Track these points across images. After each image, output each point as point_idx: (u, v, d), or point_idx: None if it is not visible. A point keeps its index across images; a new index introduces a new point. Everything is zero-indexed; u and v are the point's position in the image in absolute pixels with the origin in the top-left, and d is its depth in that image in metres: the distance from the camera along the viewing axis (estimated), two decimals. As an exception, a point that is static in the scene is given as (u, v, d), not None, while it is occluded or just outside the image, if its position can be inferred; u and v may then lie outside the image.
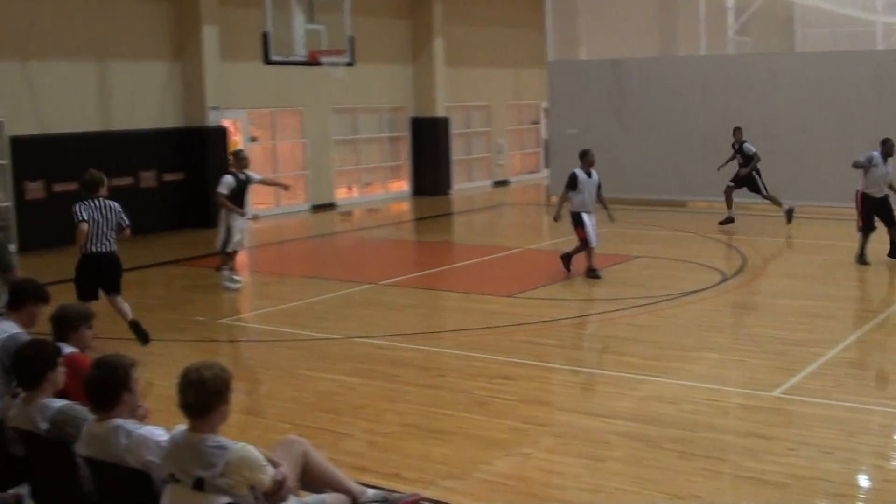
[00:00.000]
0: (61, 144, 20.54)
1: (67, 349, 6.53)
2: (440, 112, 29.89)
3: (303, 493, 6.11)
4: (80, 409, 5.95)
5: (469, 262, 17.81)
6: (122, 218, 11.63)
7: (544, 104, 31.36)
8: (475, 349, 11.47)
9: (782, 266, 16.17)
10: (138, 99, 22.26)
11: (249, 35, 20.64)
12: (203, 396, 5.19)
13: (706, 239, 19.44)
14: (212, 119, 23.01)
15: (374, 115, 28.88)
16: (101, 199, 11.61)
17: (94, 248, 11.51)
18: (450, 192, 30.28)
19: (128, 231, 11.73)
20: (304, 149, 26.58)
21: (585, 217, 15.61)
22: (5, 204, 19.53)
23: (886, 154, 16.03)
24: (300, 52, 17.38)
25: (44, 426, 5.94)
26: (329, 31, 17.71)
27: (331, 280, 16.26)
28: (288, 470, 5.68)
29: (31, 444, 6.05)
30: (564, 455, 8.04)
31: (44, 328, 7.13)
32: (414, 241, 21.87)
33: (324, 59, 17.67)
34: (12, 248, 10.26)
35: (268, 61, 17.23)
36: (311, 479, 6.23)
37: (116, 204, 11.72)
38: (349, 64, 18.21)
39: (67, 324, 6.79)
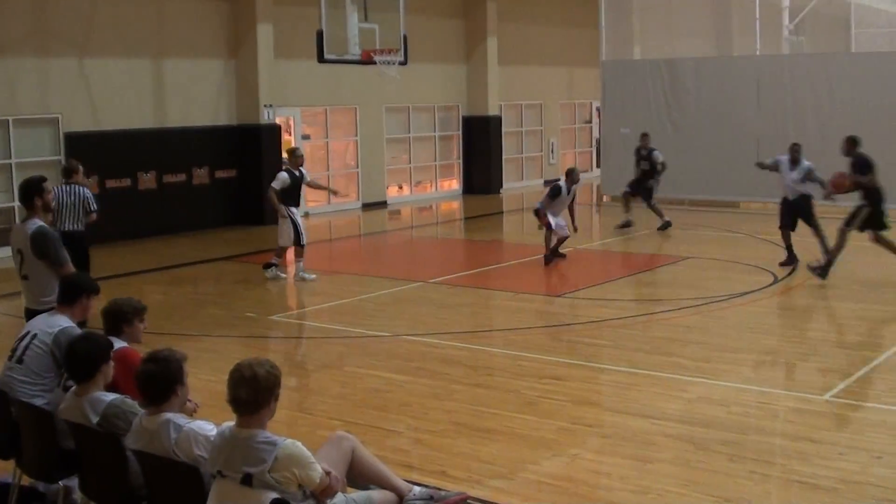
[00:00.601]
0: (116, 141, 20.79)
1: (118, 343, 6.59)
2: (492, 111, 29.89)
3: (350, 489, 6.13)
4: (131, 403, 6.01)
5: (519, 261, 17.78)
6: (89, 203, 13.23)
7: (597, 103, 31.28)
8: (524, 349, 11.46)
9: (835, 268, 15.99)
10: (193, 96, 22.46)
11: (304, 33, 20.74)
12: (256, 393, 5.21)
13: (758, 240, 19.29)
14: (265, 117, 23.16)
15: (426, 114, 28.92)
16: (73, 185, 13.27)
17: (62, 228, 12.66)
18: (500, 190, 30.28)
19: (94, 216, 13.33)
20: (356, 147, 26.69)
21: (550, 216, 16.90)
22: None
23: (793, 161, 16.41)
24: (354, 51, 17.44)
25: (94, 419, 6.00)
26: (383, 30, 17.76)
27: (381, 278, 16.32)
28: (334, 468, 5.71)
29: (81, 437, 6.12)
30: (612, 456, 8.02)
31: (92, 322, 7.22)
32: (464, 239, 21.89)
33: (377, 58, 17.72)
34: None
35: (322, 60, 17.30)
36: (359, 476, 6.25)
37: (88, 191, 13.44)
38: (402, 63, 18.24)
39: (122, 318, 6.86)
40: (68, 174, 13.49)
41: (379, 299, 14.71)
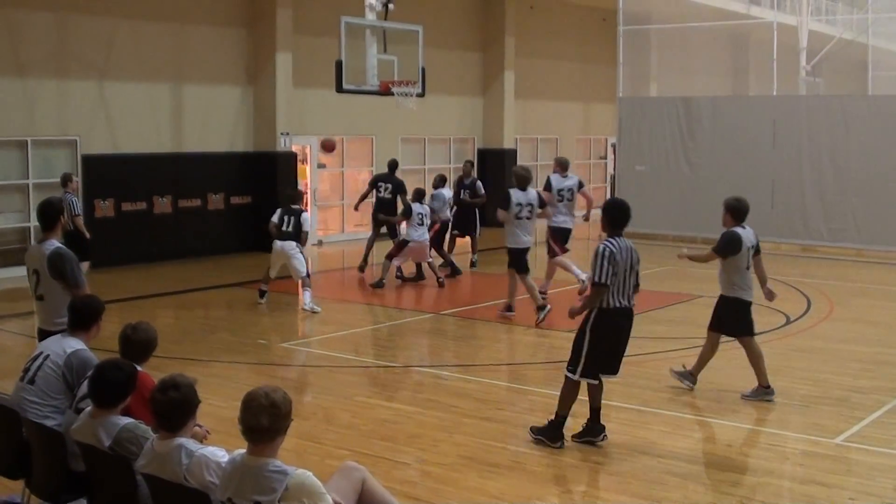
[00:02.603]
0: (133, 164, 20.89)
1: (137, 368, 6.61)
2: (508, 144, 29.93)
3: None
4: (144, 428, 6.02)
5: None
6: (74, 207, 16.18)
7: (612, 139, 31.31)
8: (534, 383, 11.45)
9: (848, 311, 15.95)
10: (210, 122, 22.56)
11: (322, 63, 20.84)
12: (276, 420, 5.21)
13: (771, 280, 19.23)
14: (282, 144, 23.25)
15: (441, 146, 28.98)
16: (67, 193, 16.17)
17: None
18: (514, 224, 30.23)
19: (79, 218, 16.45)
20: (371, 176, 26.71)
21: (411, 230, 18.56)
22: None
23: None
24: (372, 82, 17.49)
25: (107, 442, 6.00)
26: (401, 62, 17.80)
27: (392, 308, 16.33)
28: (344, 499, 5.69)
29: (92, 459, 6.12)
30: (620, 494, 7.99)
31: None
32: (477, 272, 21.85)
33: (395, 89, 17.76)
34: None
35: (340, 89, 17.37)
36: (367, 507, 6.25)
37: (73, 197, 16.48)
38: (420, 94, 18.30)
39: (153, 347, 6.92)
40: (64, 184, 16.53)
41: (390, 330, 14.72)
